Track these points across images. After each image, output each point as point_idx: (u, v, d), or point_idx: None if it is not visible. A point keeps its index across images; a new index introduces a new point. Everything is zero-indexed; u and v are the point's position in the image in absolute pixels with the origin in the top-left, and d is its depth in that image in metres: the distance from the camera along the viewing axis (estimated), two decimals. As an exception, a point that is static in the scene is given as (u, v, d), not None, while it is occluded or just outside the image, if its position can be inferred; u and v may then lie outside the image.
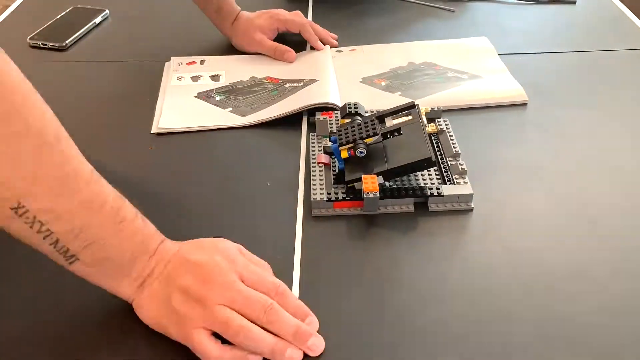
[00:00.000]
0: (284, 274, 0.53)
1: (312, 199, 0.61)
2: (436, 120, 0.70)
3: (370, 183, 0.59)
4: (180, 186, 0.65)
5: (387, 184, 0.61)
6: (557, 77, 0.83)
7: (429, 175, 0.63)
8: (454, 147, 0.66)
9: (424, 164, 0.60)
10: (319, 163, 0.65)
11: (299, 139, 0.72)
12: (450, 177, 0.63)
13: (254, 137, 0.73)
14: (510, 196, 0.63)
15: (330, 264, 0.56)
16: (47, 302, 0.52)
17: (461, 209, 0.61)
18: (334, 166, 0.65)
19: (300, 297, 0.51)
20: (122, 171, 0.66)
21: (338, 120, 0.71)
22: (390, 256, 0.57)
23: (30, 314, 0.51)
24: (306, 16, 0.98)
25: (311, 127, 0.73)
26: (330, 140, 0.65)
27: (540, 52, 0.88)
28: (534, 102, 0.77)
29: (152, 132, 0.73)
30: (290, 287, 0.53)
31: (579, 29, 0.94)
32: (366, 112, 0.70)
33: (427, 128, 0.65)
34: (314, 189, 0.62)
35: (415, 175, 0.63)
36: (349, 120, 0.67)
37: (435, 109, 0.71)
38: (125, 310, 0.50)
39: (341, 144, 0.62)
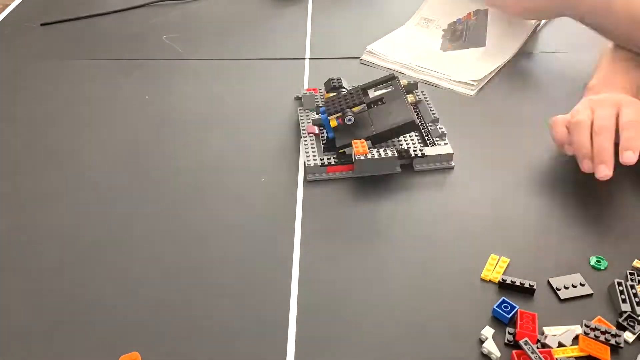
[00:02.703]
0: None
1: (305, 165, 0.66)
2: (414, 91, 0.76)
3: (361, 147, 0.64)
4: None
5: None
6: (553, 77, 0.83)
7: (410, 139, 0.68)
8: (433, 113, 0.72)
9: (408, 127, 0.66)
10: (309, 133, 0.69)
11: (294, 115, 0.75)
12: (432, 139, 0.69)
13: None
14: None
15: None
16: (46, 299, 0.53)
17: (443, 167, 0.66)
18: (323, 136, 0.70)
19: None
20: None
21: (322, 94, 0.76)
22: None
23: (30, 310, 0.52)
24: (306, 15, 1.00)
25: (295, 102, 0.79)
26: (319, 112, 0.71)
27: (537, 52, 0.88)
28: (529, 98, 0.78)
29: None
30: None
31: (577, 30, 0.94)
32: (349, 86, 0.75)
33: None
34: (307, 156, 0.66)
35: (399, 140, 0.68)
36: (335, 93, 0.72)
37: (412, 82, 0.77)
38: (122, 304, 0.51)
39: (330, 114, 0.68)
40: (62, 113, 0.78)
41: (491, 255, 0.55)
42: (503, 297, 0.50)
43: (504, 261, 0.54)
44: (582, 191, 0.63)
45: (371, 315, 0.51)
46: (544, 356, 0.45)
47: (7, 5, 1.06)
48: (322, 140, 0.70)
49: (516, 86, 0.81)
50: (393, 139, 0.68)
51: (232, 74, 0.86)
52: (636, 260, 0.54)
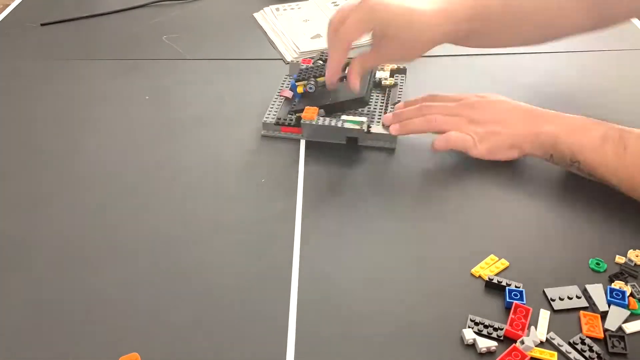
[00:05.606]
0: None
1: (263, 121, 0.71)
2: (395, 75, 0.80)
3: (310, 113, 0.69)
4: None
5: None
6: (556, 77, 0.83)
7: (366, 116, 0.71)
8: (399, 97, 0.75)
9: (358, 103, 0.72)
10: (281, 95, 0.75)
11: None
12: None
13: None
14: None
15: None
16: (46, 300, 0.53)
17: (385, 147, 0.69)
18: (295, 102, 0.75)
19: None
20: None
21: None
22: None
23: (30, 310, 0.52)
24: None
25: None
26: (293, 77, 0.77)
27: (539, 53, 0.88)
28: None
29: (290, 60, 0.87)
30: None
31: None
32: None
33: (386, 81, 0.77)
34: (267, 113, 0.72)
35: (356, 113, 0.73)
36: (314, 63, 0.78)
37: (402, 67, 0.80)
38: (122, 305, 0.51)
39: (298, 80, 0.74)
40: (62, 113, 0.78)
41: (490, 255, 0.55)
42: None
43: (503, 264, 0.54)
44: (582, 192, 0.63)
45: (371, 315, 0.51)
46: None
47: (7, 5, 1.06)
48: (293, 104, 0.74)
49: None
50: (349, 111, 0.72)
51: (232, 74, 0.86)
52: (617, 256, 0.55)
